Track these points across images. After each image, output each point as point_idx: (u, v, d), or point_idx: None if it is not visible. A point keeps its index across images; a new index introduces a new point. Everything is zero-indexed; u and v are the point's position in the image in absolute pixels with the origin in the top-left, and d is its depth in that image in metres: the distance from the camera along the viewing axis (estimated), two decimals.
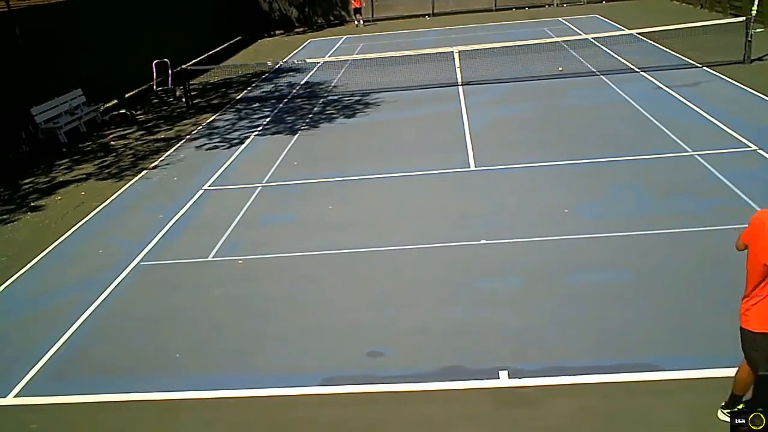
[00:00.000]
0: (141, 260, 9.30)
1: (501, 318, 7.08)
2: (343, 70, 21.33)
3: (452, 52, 18.77)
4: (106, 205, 11.60)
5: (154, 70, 20.99)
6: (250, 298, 8.05)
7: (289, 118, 16.34)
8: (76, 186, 12.86)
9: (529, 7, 31.87)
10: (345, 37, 28.77)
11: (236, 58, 26.15)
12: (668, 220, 8.85)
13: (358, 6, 31.72)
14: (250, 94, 19.67)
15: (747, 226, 5.00)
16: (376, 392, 6.16)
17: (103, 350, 7.31)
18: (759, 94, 14.12)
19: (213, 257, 9.19)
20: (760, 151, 10.89)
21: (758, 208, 8.87)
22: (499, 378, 6.14)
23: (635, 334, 6.54)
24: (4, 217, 11.64)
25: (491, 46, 19.27)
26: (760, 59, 16.92)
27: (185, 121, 17.08)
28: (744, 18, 17.11)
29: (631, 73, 17.07)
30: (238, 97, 19.33)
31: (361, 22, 32.05)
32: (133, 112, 18.23)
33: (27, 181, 13.50)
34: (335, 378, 6.40)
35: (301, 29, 32.97)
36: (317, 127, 15.32)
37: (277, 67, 22.76)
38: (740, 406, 5.25)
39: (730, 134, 11.81)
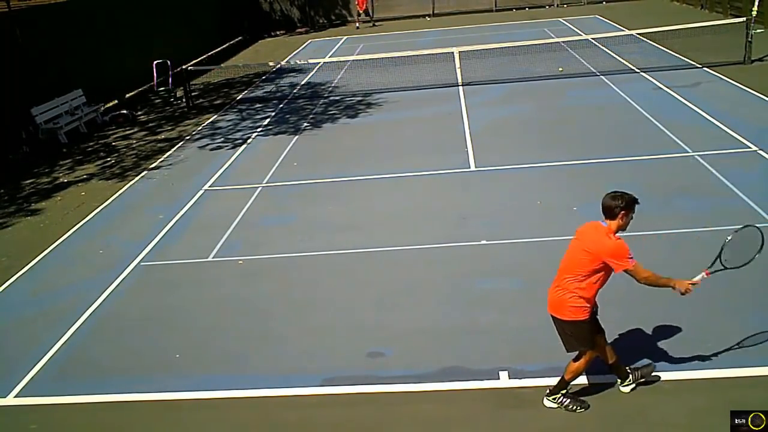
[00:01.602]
0: (141, 260, 9.30)
1: (501, 318, 7.09)
2: (343, 70, 21.33)
3: (453, 52, 18.77)
4: (106, 206, 11.61)
5: (155, 71, 20.99)
6: (250, 298, 8.05)
7: (290, 118, 16.35)
8: (76, 186, 12.87)
9: (529, 8, 31.85)
10: (345, 37, 28.77)
11: (237, 59, 26.15)
12: (668, 220, 8.85)
13: (362, 9, 31.60)
14: (252, 95, 19.67)
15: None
16: (376, 393, 6.16)
17: (103, 350, 7.31)
18: (759, 94, 14.12)
19: (213, 257, 9.19)
20: (760, 152, 10.89)
21: (758, 208, 8.91)
22: (499, 378, 6.14)
23: (634, 334, 6.54)
24: (5, 217, 11.64)
25: (491, 46, 19.27)
26: (760, 60, 16.92)
27: (186, 122, 17.09)
28: (744, 18, 17.11)
29: (632, 73, 17.07)
30: (239, 98, 19.33)
31: (368, 16, 31.75)
32: (134, 112, 18.24)
33: (27, 181, 13.50)
34: (335, 378, 6.40)
35: (303, 29, 32.96)
36: (319, 127, 15.33)
37: (278, 67, 22.76)
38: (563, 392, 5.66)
39: (730, 135, 11.81)
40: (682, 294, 5.31)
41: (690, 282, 5.32)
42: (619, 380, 5.81)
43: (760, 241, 5.44)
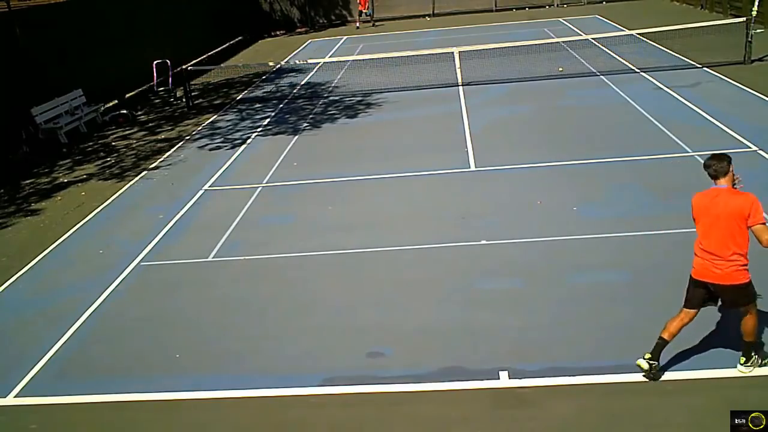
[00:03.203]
0: (141, 260, 9.30)
1: (501, 318, 7.09)
2: (343, 70, 21.33)
3: (453, 52, 18.76)
4: (106, 206, 11.61)
5: (155, 71, 20.99)
6: (250, 298, 8.06)
7: (290, 118, 16.34)
8: (76, 186, 12.87)
9: (529, 8, 31.83)
10: (345, 37, 28.77)
11: (237, 59, 26.15)
12: (668, 220, 8.85)
13: (364, 9, 31.56)
14: (251, 95, 19.66)
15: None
16: (376, 393, 6.17)
17: (103, 350, 7.32)
18: (759, 94, 14.12)
19: (213, 257, 9.19)
20: (760, 152, 10.89)
21: None
22: (499, 378, 6.14)
23: (635, 334, 6.53)
24: (5, 217, 11.64)
25: (491, 46, 19.25)
26: (760, 60, 16.91)
27: (186, 122, 17.08)
28: (744, 18, 17.11)
29: (632, 73, 17.06)
30: (239, 98, 19.32)
31: (369, 16, 31.71)
32: (134, 112, 18.24)
33: (27, 181, 13.50)
34: (335, 378, 6.40)
35: (303, 29, 32.96)
36: (318, 127, 15.32)
37: (277, 67, 22.76)
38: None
39: (730, 134, 11.81)
40: None
41: None
42: (649, 353, 5.83)
43: None
